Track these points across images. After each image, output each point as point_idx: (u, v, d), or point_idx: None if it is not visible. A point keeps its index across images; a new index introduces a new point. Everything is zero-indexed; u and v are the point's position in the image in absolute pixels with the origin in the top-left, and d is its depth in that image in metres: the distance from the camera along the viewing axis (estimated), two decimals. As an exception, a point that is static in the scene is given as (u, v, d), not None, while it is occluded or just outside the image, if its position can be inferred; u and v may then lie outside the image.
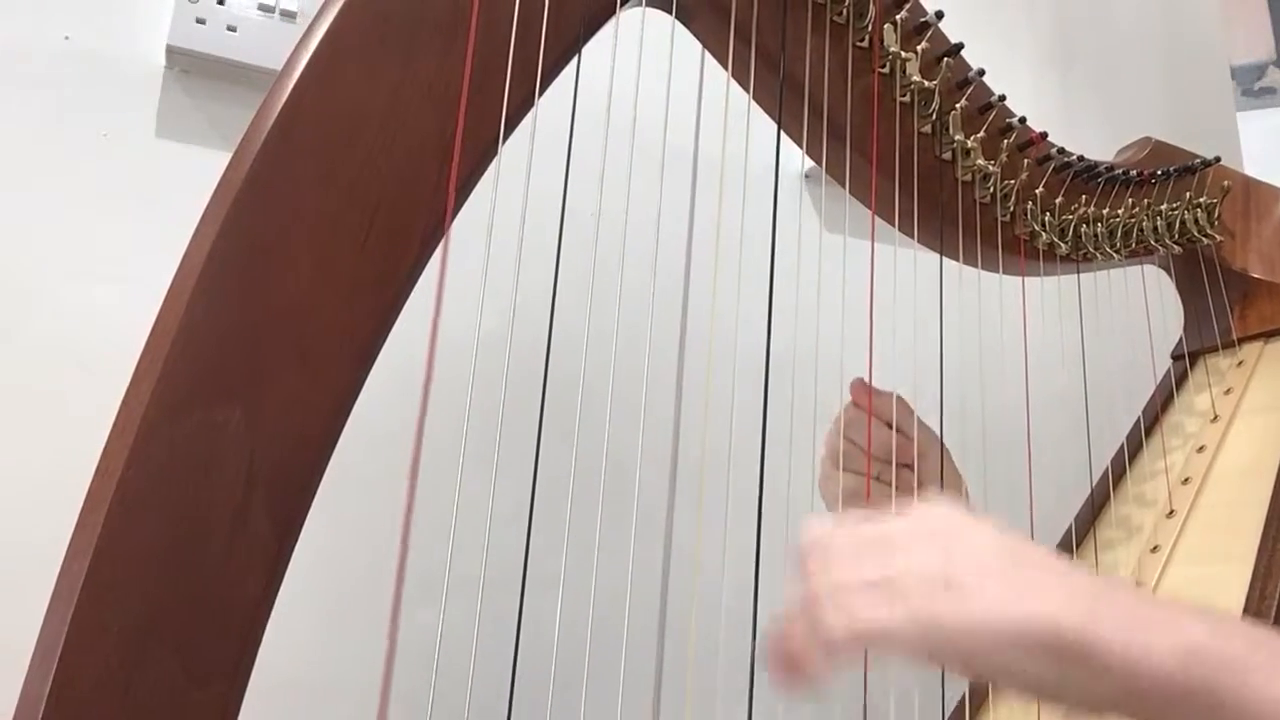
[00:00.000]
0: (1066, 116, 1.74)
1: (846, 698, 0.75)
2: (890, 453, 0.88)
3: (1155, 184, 1.07)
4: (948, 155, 0.91)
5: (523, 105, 0.70)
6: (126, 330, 1.06)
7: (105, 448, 0.58)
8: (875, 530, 0.58)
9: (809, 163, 0.85)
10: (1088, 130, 1.65)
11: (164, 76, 1.19)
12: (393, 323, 0.65)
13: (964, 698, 0.91)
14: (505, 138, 0.68)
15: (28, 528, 1.01)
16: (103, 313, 1.10)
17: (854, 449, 0.90)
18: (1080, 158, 0.99)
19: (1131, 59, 1.89)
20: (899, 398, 0.90)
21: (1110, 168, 1.03)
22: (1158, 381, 1.14)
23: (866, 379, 0.89)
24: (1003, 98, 0.93)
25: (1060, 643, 0.51)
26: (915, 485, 0.90)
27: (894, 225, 0.89)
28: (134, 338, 0.97)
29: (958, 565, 0.54)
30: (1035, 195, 0.97)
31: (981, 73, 0.92)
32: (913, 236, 0.91)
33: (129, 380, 0.59)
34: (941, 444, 0.91)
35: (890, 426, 0.89)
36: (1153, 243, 1.07)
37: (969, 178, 0.93)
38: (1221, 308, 1.13)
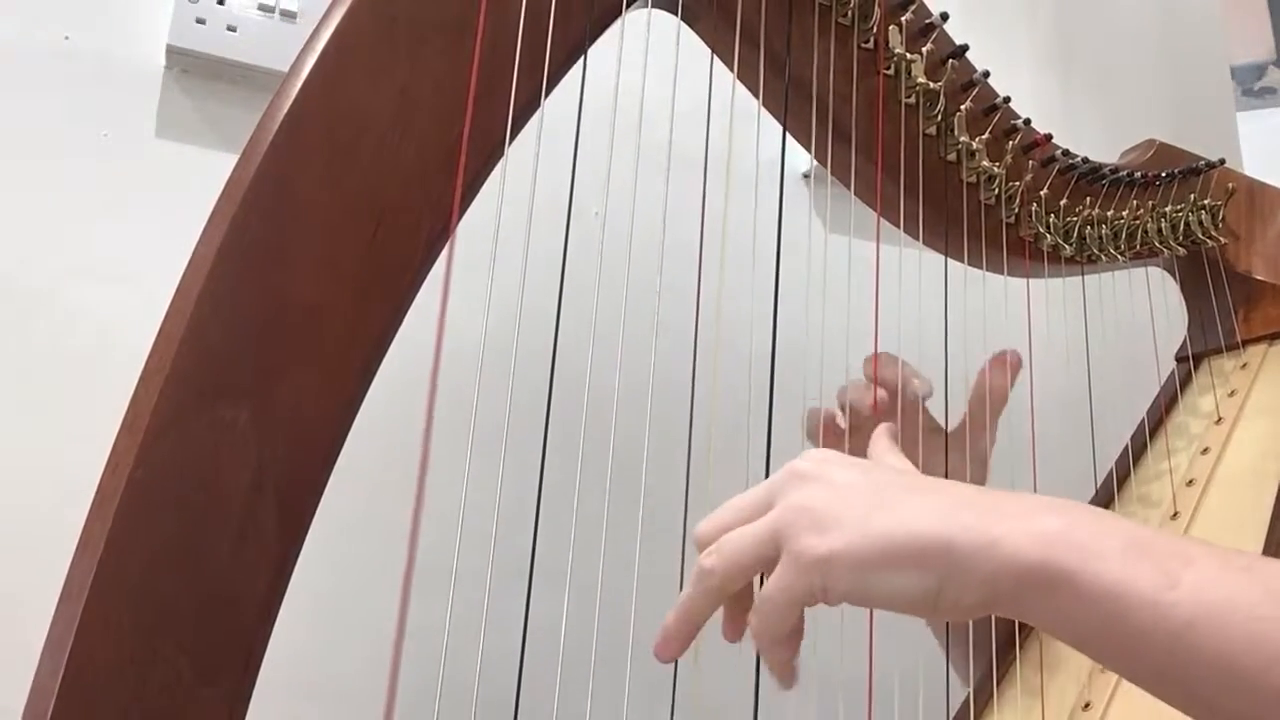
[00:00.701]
0: (1066, 116, 1.74)
1: (850, 698, 0.75)
2: None
3: (1159, 186, 1.07)
4: (952, 157, 0.91)
5: (529, 106, 0.70)
6: (126, 330, 1.08)
7: (114, 445, 0.58)
8: (750, 493, 0.63)
9: (809, 163, 0.85)
10: (1088, 130, 1.66)
11: (164, 76, 1.19)
12: (400, 322, 0.65)
13: (968, 698, 0.91)
14: (512, 139, 0.68)
15: (28, 526, 1.01)
16: (103, 313, 1.10)
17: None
18: (1085, 160, 1.00)
19: (1131, 59, 1.90)
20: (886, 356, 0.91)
21: (1115, 170, 1.03)
22: (1162, 383, 1.14)
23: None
24: (1007, 99, 0.93)
25: (923, 549, 0.54)
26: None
27: (899, 227, 0.90)
28: (134, 337, 0.97)
29: (823, 505, 0.58)
30: (1040, 197, 0.97)
31: (986, 74, 0.92)
32: (917, 238, 0.91)
33: (137, 379, 0.59)
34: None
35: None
36: (1157, 245, 1.07)
37: (974, 179, 0.93)
38: (1225, 310, 1.13)
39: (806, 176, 1.47)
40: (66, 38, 1.15)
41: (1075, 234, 0.99)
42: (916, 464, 0.73)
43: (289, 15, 1.21)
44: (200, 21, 1.17)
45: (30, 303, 1.08)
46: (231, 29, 1.18)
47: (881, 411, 0.88)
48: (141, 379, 0.59)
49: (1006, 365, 0.90)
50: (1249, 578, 0.50)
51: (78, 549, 0.56)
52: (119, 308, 1.10)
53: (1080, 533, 0.52)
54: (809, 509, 0.58)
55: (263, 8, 1.20)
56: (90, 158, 1.14)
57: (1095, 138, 1.22)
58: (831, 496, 0.58)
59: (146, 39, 1.18)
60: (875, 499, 0.57)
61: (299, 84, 0.63)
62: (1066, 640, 0.54)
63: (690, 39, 0.81)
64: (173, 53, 1.18)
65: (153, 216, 1.14)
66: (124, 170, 1.15)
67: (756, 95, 0.82)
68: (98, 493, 0.57)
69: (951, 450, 0.92)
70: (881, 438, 0.70)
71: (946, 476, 0.90)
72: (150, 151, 1.17)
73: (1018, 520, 0.54)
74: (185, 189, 1.14)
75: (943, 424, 0.93)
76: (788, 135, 0.83)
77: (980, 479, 0.92)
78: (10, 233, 1.09)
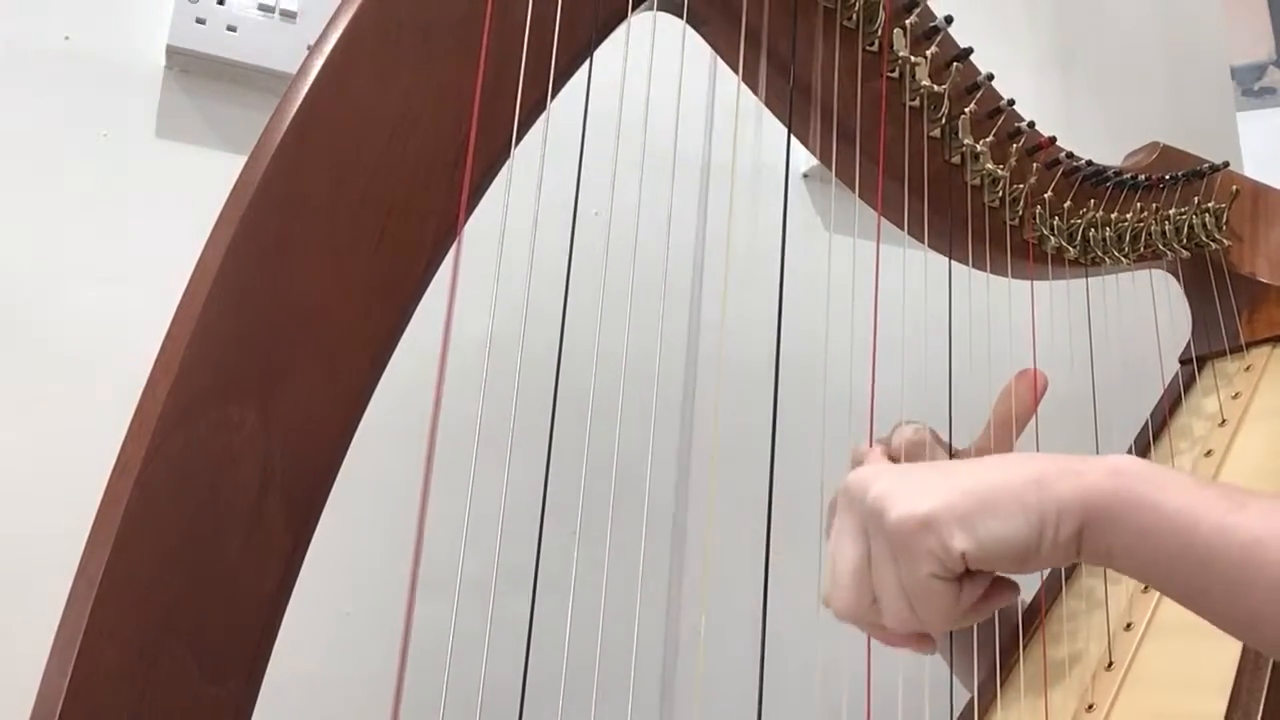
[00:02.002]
0: (1067, 117, 1.74)
1: (853, 699, 0.75)
2: None
3: (1164, 188, 1.07)
4: (957, 159, 0.91)
5: (535, 109, 0.70)
6: (127, 330, 1.07)
7: (123, 446, 0.58)
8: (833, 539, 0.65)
9: (811, 162, 0.85)
10: (1088, 130, 1.66)
11: (164, 76, 1.19)
12: (406, 324, 0.65)
13: (972, 700, 0.91)
14: (518, 141, 0.68)
15: (29, 526, 1.01)
16: (103, 313, 1.10)
17: None
18: (1089, 162, 1.00)
19: (1131, 59, 1.90)
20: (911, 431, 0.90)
21: (1119, 172, 1.03)
22: (1165, 385, 1.14)
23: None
24: (1011, 102, 0.93)
25: (1017, 490, 0.57)
26: None
27: (903, 229, 0.89)
28: (134, 336, 0.98)
29: (901, 485, 0.60)
30: (1044, 199, 0.97)
31: (990, 77, 0.92)
32: (922, 240, 0.91)
33: (145, 380, 0.59)
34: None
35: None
36: (1161, 247, 1.07)
37: (978, 181, 0.93)
38: (1229, 312, 1.13)
39: (806, 177, 1.46)
40: (66, 38, 1.15)
41: (1079, 236, 0.99)
42: None
43: (289, 15, 1.21)
44: (200, 21, 1.17)
45: (30, 303, 1.08)
46: (231, 29, 1.18)
47: None
48: (149, 380, 0.59)
49: (1033, 383, 0.90)
50: None
51: (85, 549, 0.56)
52: (119, 308, 1.10)
53: (1147, 468, 0.57)
54: (889, 492, 0.60)
55: (263, 8, 1.20)
56: (90, 158, 1.14)
57: (1095, 138, 1.22)
58: (905, 479, 0.61)
59: (146, 39, 1.18)
60: (948, 470, 0.61)
61: (306, 87, 0.63)
62: (1140, 567, 0.57)
63: (695, 42, 0.81)
64: (173, 53, 1.18)
65: (153, 216, 1.14)
66: (124, 170, 1.15)
67: (761, 98, 0.82)
68: (105, 493, 0.57)
69: None
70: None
71: None
72: (150, 151, 1.17)
73: (1088, 461, 0.58)
74: (185, 189, 1.15)
75: (954, 439, 0.93)
76: (792, 138, 0.83)
77: None
78: (10, 233, 1.09)
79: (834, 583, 0.63)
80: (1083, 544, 0.57)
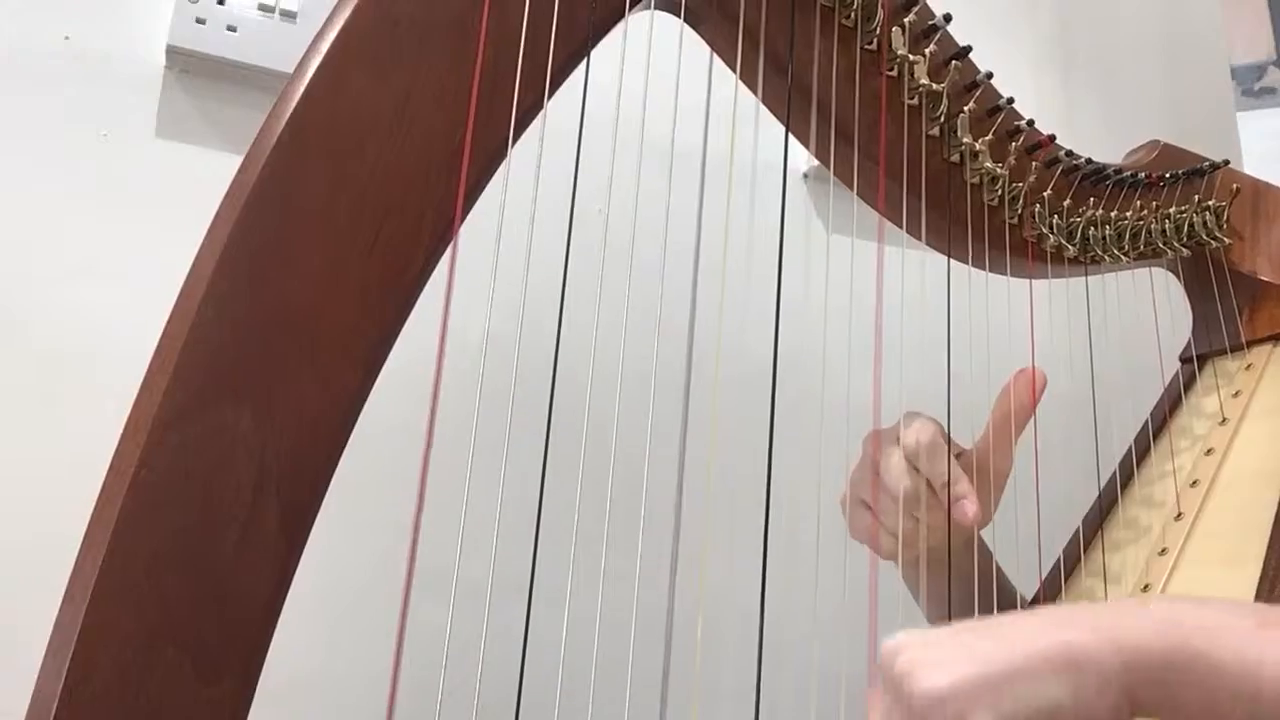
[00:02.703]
0: (1067, 116, 1.74)
1: (851, 701, 0.75)
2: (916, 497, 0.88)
3: (1163, 187, 1.07)
4: (956, 158, 0.91)
5: (532, 108, 0.70)
6: (126, 330, 1.07)
7: (118, 447, 0.58)
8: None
9: (811, 162, 0.85)
10: (1088, 130, 1.66)
11: (164, 76, 1.19)
12: (402, 325, 0.65)
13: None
14: (514, 141, 0.68)
15: (28, 526, 1.01)
16: (103, 313, 1.10)
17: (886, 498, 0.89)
18: (1088, 160, 0.99)
19: (1131, 59, 1.89)
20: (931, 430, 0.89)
21: (1118, 170, 1.02)
22: (1166, 384, 1.14)
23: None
24: (1011, 100, 0.93)
25: (1046, 656, 0.53)
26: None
27: (902, 228, 0.89)
28: (134, 337, 0.97)
29: (925, 653, 0.55)
30: (1043, 198, 0.97)
31: (990, 75, 0.92)
32: (921, 238, 0.90)
33: (141, 380, 0.59)
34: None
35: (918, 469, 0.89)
36: (1161, 245, 1.06)
37: (977, 180, 0.92)
38: (1230, 310, 1.12)
39: (806, 177, 1.46)
40: (66, 38, 1.15)
41: (1079, 235, 0.99)
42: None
43: (289, 15, 1.21)
44: (200, 21, 1.17)
45: (30, 303, 1.08)
46: (231, 29, 1.18)
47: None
48: (145, 381, 0.59)
49: (1031, 382, 0.89)
50: None
51: (80, 551, 0.56)
52: (119, 308, 1.10)
53: (1200, 615, 0.53)
54: (914, 664, 0.55)
55: (263, 8, 1.20)
56: (90, 158, 1.14)
57: (1096, 138, 1.22)
58: (929, 648, 0.56)
59: (146, 39, 1.18)
60: (973, 635, 0.56)
61: (302, 86, 0.64)
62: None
63: (693, 41, 0.81)
64: (173, 53, 1.18)
65: (153, 216, 1.14)
66: (124, 170, 1.15)
67: (759, 97, 0.82)
68: (100, 494, 0.57)
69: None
70: None
71: None
72: (150, 151, 1.17)
73: (1131, 614, 0.54)
74: (185, 189, 1.15)
75: (953, 437, 0.93)
76: (790, 137, 0.82)
77: (995, 499, 0.92)
78: (10, 233, 1.09)
79: None
80: (1135, 700, 0.53)
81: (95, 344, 1.09)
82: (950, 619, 0.92)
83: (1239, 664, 0.51)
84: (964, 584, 0.92)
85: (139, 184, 1.15)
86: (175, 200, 1.15)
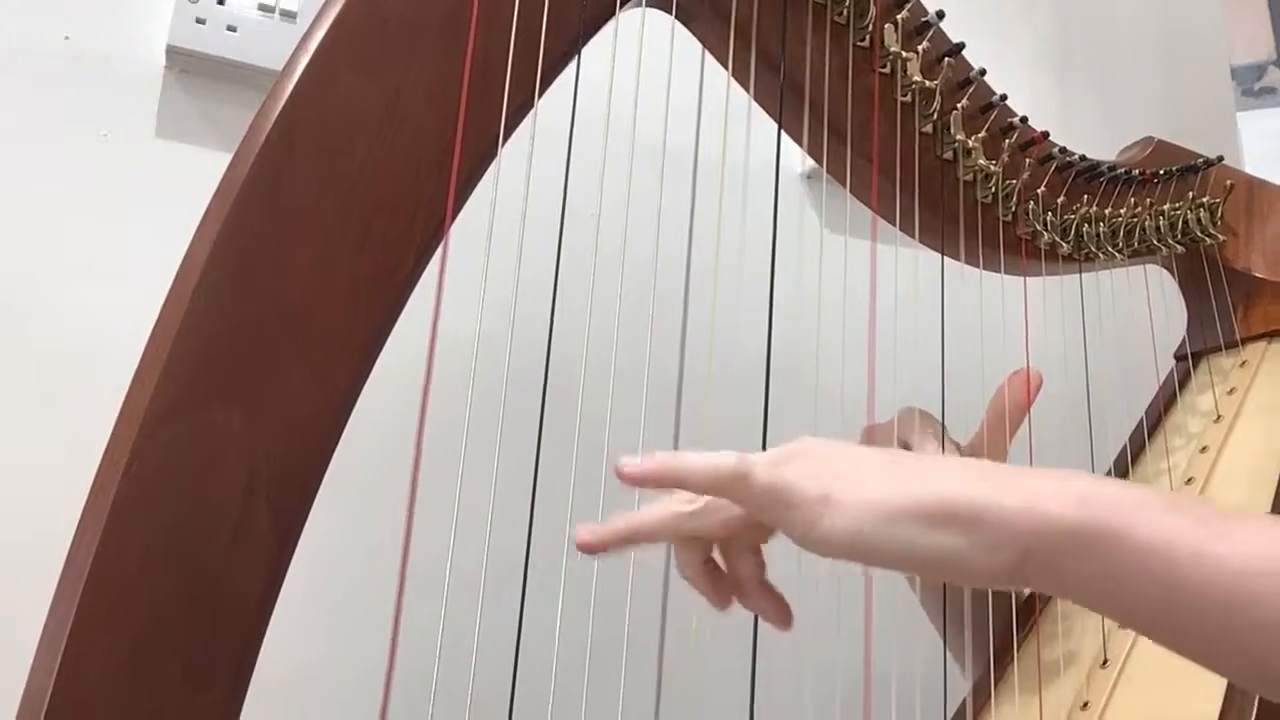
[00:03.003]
0: (1066, 116, 1.74)
1: (846, 699, 0.75)
2: None
3: (1158, 183, 1.07)
4: (949, 155, 0.91)
5: (523, 107, 0.70)
6: (126, 330, 1.06)
7: (107, 448, 0.58)
8: None
9: (809, 163, 0.85)
10: (1087, 130, 1.65)
11: (164, 76, 1.19)
12: (393, 323, 0.65)
13: (965, 700, 0.91)
14: (505, 139, 0.68)
15: (27, 527, 1.01)
16: (103, 313, 1.10)
17: None
18: (1082, 157, 0.99)
19: (1131, 59, 1.89)
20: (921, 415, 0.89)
21: (1112, 167, 1.02)
22: (1161, 381, 1.14)
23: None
24: (1004, 97, 0.93)
25: (957, 509, 0.52)
26: None
27: (895, 225, 0.89)
28: (134, 337, 0.97)
29: (840, 462, 0.56)
30: (1037, 195, 0.97)
31: (983, 72, 0.92)
32: (914, 236, 0.91)
33: (131, 380, 0.59)
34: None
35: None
36: (1155, 242, 1.06)
37: (970, 177, 0.92)
38: (1225, 307, 1.12)
39: (808, 177, 1.46)
40: (66, 38, 1.15)
41: (1073, 232, 0.99)
42: None
43: (289, 15, 1.21)
44: (200, 21, 1.17)
45: (30, 303, 1.09)
46: (231, 29, 1.18)
47: None
48: (134, 380, 0.59)
49: (1027, 382, 0.89)
50: None
51: (70, 552, 0.56)
52: (119, 308, 1.10)
53: (1118, 492, 0.52)
54: (825, 463, 0.56)
55: (263, 8, 1.20)
56: (90, 158, 1.14)
57: (1095, 138, 1.21)
58: (848, 457, 0.57)
59: (146, 39, 1.19)
60: (894, 463, 0.57)
61: (292, 84, 0.63)
62: (1103, 606, 0.54)
63: (685, 38, 0.81)
64: (173, 53, 1.18)
65: (153, 216, 1.14)
66: (124, 170, 1.15)
67: (751, 94, 0.82)
68: (91, 495, 0.57)
69: None
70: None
71: None
72: (150, 151, 1.17)
73: (1049, 482, 0.53)
74: (185, 189, 1.13)
75: (953, 436, 0.93)
76: (783, 134, 0.82)
77: None
78: (10, 233, 1.09)
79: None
80: (1022, 572, 0.52)
81: (95, 344, 1.09)
82: (965, 637, 0.93)
83: (1152, 545, 0.49)
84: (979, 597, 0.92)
85: (139, 184, 1.15)
86: (175, 200, 1.14)
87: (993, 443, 0.90)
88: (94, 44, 1.17)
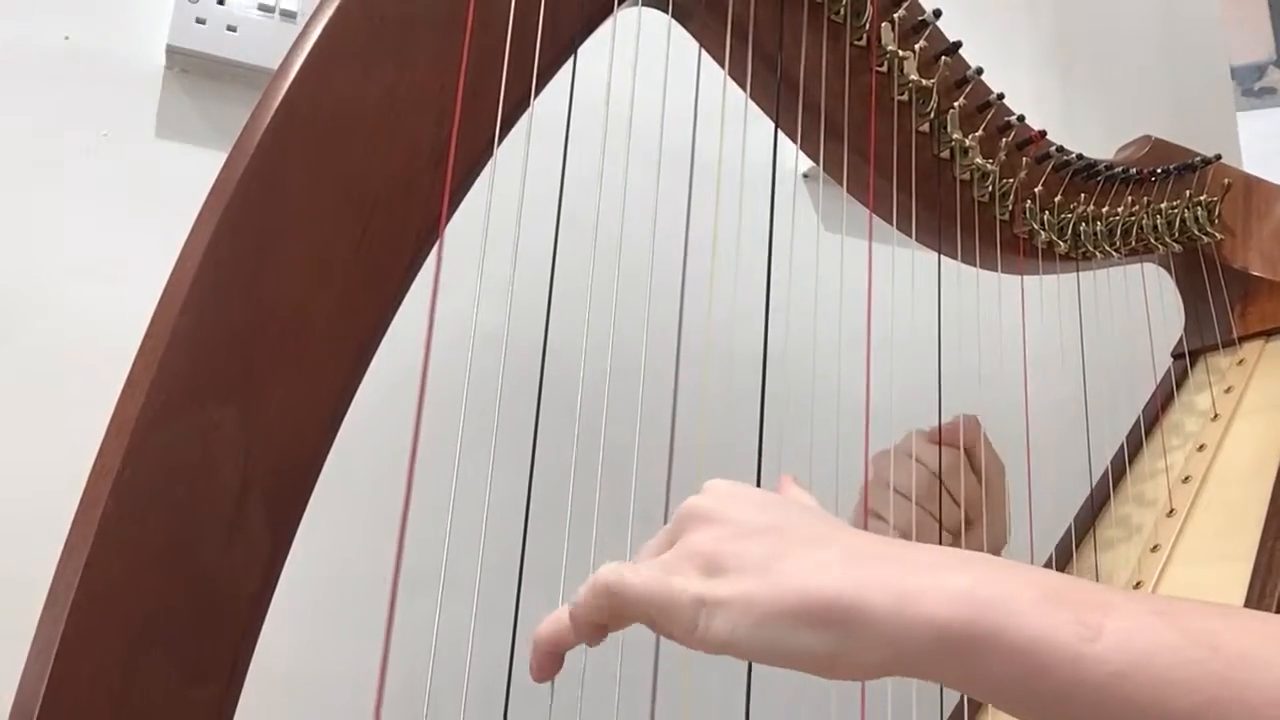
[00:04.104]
0: (1066, 116, 1.74)
1: (843, 702, 0.75)
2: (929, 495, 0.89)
3: (1155, 182, 1.07)
4: (946, 154, 0.91)
5: (519, 105, 0.70)
6: (126, 330, 1.06)
7: (101, 448, 0.58)
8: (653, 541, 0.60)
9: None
10: (1087, 130, 1.65)
11: (164, 76, 1.19)
12: (389, 323, 0.65)
13: (962, 701, 0.91)
14: (501, 138, 0.68)
15: (27, 527, 1.02)
16: (103, 313, 1.10)
17: (899, 496, 0.90)
18: (1079, 156, 0.99)
19: (1131, 59, 1.89)
20: (969, 419, 0.90)
21: (1110, 166, 1.02)
22: (1158, 380, 1.14)
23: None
24: (1001, 96, 0.93)
25: (826, 608, 0.50)
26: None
27: (892, 224, 0.89)
28: (134, 337, 0.97)
29: (719, 548, 0.54)
30: (1034, 193, 0.97)
31: (980, 71, 0.92)
32: (911, 235, 0.91)
33: (125, 379, 0.59)
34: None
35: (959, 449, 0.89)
36: (1153, 241, 1.06)
37: (967, 176, 0.92)
38: (1222, 306, 1.12)
39: (807, 177, 1.46)
40: (66, 38, 1.16)
41: (1070, 231, 0.99)
42: None
43: (289, 15, 1.21)
44: (200, 21, 1.17)
45: (30, 303, 1.09)
46: (231, 29, 1.18)
47: None
48: (128, 380, 0.59)
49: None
50: (1169, 621, 0.47)
51: (64, 550, 0.56)
52: (119, 308, 1.10)
53: (990, 588, 0.49)
54: (703, 553, 0.54)
55: (263, 8, 1.20)
56: (90, 158, 1.14)
57: (1095, 138, 1.21)
58: (728, 538, 0.55)
59: (146, 39, 1.19)
60: (776, 545, 0.54)
61: (287, 83, 0.63)
62: (985, 700, 0.52)
63: (681, 37, 0.81)
64: (173, 53, 1.18)
65: (153, 216, 1.14)
66: (124, 170, 1.15)
67: (748, 93, 0.82)
68: (84, 495, 0.57)
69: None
70: (787, 482, 0.67)
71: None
72: (150, 151, 1.18)
73: (925, 575, 0.50)
74: (185, 189, 1.14)
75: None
76: (780, 133, 0.83)
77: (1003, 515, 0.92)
78: (10, 233, 1.09)
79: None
80: (896, 669, 0.50)
81: (95, 343, 1.09)
82: None
83: (1028, 647, 0.47)
84: None
85: (139, 184, 1.16)
86: (175, 200, 1.14)
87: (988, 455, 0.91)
88: (94, 44, 1.17)
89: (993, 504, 0.91)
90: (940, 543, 0.87)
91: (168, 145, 1.18)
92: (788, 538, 0.54)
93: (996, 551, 0.92)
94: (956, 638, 0.48)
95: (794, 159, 1.37)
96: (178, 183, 1.16)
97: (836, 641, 0.50)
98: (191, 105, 1.20)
